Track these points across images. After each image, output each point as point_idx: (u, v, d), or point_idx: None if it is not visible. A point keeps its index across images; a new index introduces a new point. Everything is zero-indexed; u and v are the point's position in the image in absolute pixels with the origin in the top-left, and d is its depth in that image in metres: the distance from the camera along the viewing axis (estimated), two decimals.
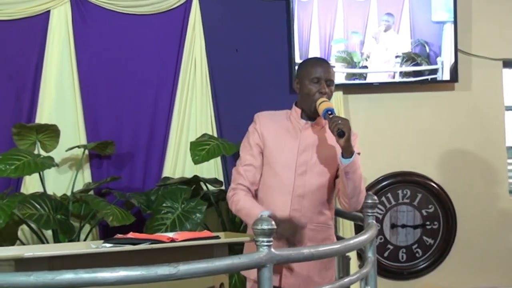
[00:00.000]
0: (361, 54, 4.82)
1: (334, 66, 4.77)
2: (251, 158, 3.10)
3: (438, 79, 4.86)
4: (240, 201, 3.01)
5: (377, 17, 4.82)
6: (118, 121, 4.54)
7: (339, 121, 2.88)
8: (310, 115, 3.13)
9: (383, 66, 4.84)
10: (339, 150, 2.99)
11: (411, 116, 4.98)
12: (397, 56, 4.84)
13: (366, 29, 4.82)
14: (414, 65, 4.84)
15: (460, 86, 4.94)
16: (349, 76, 4.82)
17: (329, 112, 2.96)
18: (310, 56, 4.69)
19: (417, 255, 4.95)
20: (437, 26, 4.84)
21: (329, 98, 3.07)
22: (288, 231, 2.99)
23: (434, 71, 4.85)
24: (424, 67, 4.85)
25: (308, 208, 3.08)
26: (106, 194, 4.39)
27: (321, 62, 3.15)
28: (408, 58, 4.83)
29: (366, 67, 4.83)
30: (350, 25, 4.81)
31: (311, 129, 3.14)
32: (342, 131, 2.87)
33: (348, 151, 2.93)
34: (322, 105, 3.00)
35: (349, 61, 4.81)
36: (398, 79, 4.85)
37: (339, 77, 4.78)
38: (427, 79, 4.86)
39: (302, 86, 3.13)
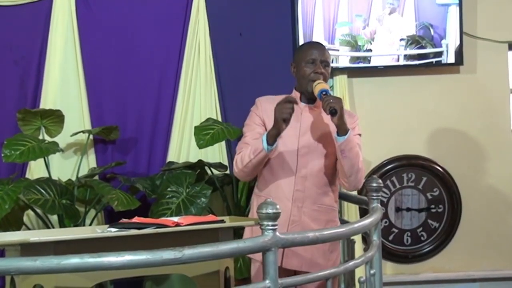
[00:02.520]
0: (365, 37, 4.80)
1: (338, 50, 4.77)
2: (257, 132, 3.14)
3: (443, 62, 4.84)
4: (243, 151, 3.09)
5: (382, 0, 4.79)
6: (122, 106, 4.54)
7: (331, 100, 2.94)
8: (309, 97, 3.18)
9: (387, 49, 4.82)
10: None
11: (416, 99, 4.97)
12: (401, 39, 4.82)
13: (370, 12, 4.79)
14: (419, 48, 4.82)
15: (465, 69, 4.92)
16: (354, 59, 4.81)
17: (324, 93, 3.01)
18: (314, 39, 4.67)
19: (422, 238, 4.95)
20: (442, 8, 4.81)
21: (326, 79, 3.14)
22: None
23: (439, 54, 4.83)
24: (428, 50, 4.82)
25: (311, 188, 3.12)
26: (111, 179, 4.40)
27: (316, 45, 3.24)
28: (413, 41, 4.81)
29: (370, 50, 4.80)
30: (354, 8, 4.78)
31: (310, 111, 3.18)
32: (334, 109, 2.92)
33: (342, 129, 2.99)
34: (317, 87, 3.06)
35: (354, 45, 4.80)
36: (402, 62, 4.83)
37: (343, 61, 4.77)
38: (432, 62, 4.84)
39: (298, 69, 3.19)
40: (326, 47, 3.28)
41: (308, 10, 4.74)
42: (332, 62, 4.63)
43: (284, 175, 3.10)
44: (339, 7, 4.77)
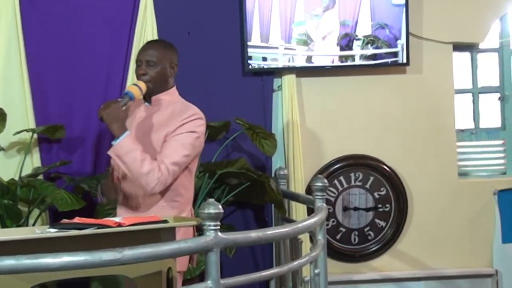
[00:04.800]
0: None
1: (295, 49, 4.77)
2: None
3: (399, 62, 4.87)
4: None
5: None
6: (68, 105, 4.47)
7: (101, 107, 3.03)
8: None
9: (332, 49, 4.83)
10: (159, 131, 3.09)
11: (364, 99, 5.00)
12: (357, 39, 4.83)
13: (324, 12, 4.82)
14: (375, 48, 4.85)
15: (411, 69, 4.97)
16: (309, 59, 4.81)
17: (123, 96, 3.11)
18: (270, 38, 4.72)
19: (369, 237, 4.99)
20: (397, 9, 4.85)
21: (152, 78, 3.15)
22: None
23: (395, 54, 4.86)
24: (384, 50, 4.85)
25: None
26: (56, 179, 4.33)
27: (144, 45, 3.32)
28: (368, 41, 4.84)
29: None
30: (310, 8, 4.78)
31: (145, 111, 3.24)
32: (101, 116, 3.02)
33: (114, 134, 3.02)
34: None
35: (308, 44, 4.81)
36: (358, 62, 4.84)
37: (300, 60, 4.76)
38: (388, 62, 4.86)
39: None
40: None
41: (264, 9, 4.73)
42: (289, 61, 4.69)
43: None
44: (296, 6, 4.77)
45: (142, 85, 3.13)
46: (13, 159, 4.34)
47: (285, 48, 4.78)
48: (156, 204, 3.12)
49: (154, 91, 3.19)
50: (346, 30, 4.84)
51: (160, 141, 3.10)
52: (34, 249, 2.31)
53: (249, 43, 4.73)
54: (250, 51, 4.74)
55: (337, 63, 4.85)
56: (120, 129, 3.00)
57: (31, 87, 4.37)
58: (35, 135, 4.32)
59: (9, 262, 2.12)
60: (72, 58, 4.49)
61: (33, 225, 4.09)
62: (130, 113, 3.21)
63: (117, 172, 3.22)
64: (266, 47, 4.77)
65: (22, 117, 4.35)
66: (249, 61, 4.73)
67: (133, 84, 3.14)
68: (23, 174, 4.19)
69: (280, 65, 4.79)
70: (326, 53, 4.83)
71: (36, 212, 4.14)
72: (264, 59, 4.77)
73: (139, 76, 3.17)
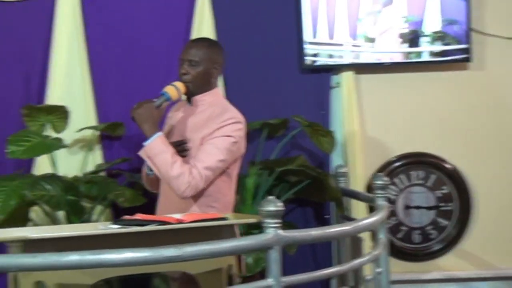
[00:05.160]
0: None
1: (359, 46, 4.72)
2: None
3: (466, 58, 4.77)
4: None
5: None
6: (128, 102, 4.45)
7: (134, 106, 3.01)
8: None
9: (394, 45, 4.76)
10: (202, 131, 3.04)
11: (425, 96, 4.92)
12: (424, 35, 4.75)
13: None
14: (444, 44, 4.76)
15: (473, 65, 4.86)
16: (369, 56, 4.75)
17: (159, 96, 3.05)
18: (335, 35, 4.67)
19: (431, 236, 4.90)
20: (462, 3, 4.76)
21: (193, 78, 3.10)
22: None
23: (464, 51, 4.75)
24: (452, 47, 4.76)
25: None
26: (117, 175, 4.39)
27: (188, 43, 3.27)
28: (437, 37, 4.76)
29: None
30: (369, 4, 4.74)
31: (184, 111, 3.21)
32: (132, 116, 3.00)
33: (145, 135, 2.98)
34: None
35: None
36: (424, 58, 4.76)
37: (364, 57, 4.71)
38: (457, 58, 4.76)
39: None
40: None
41: (330, 6, 4.68)
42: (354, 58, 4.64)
43: None
44: (360, 2, 4.71)
45: (180, 86, 3.08)
46: (76, 156, 4.41)
47: (352, 45, 4.73)
48: (189, 209, 3.05)
49: (195, 91, 3.13)
50: (412, 27, 4.76)
51: (197, 144, 3.05)
52: (97, 245, 2.34)
53: (314, 40, 4.69)
54: (316, 48, 4.70)
55: (397, 59, 4.78)
56: (151, 130, 2.96)
57: (93, 85, 4.43)
58: (97, 132, 4.38)
59: (74, 257, 2.16)
60: (132, 56, 4.53)
61: (96, 221, 4.15)
62: (173, 115, 3.22)
63: None
64: (332, 44, 4.72)
65: (85, 115, 4.41)
66: (315, 58, 4.69)
67: (171, 85, 3.09)
68: (86, 170, 4.26)
69: (346, 62, 4.73)
70: (385, 50, 4.76)
71: (99, 208, 4.20)
72: (331, 56, 4.73)
73: (180, 75, 3.13)
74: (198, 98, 3.15)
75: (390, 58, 4.78)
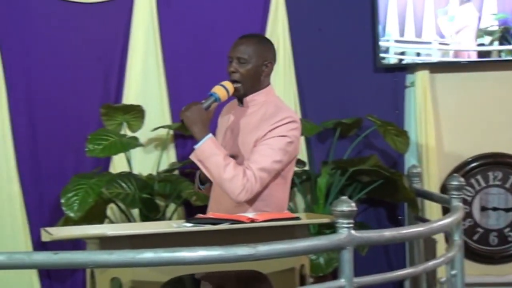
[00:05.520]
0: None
1: (449, 44, 4.62)
2: None
3: None
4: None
5: None
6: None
7: (183, 108, 2.89)
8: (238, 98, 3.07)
9: (470, 43, 4.66)
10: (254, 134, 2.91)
11: (503, 95, 4.80)
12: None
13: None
14: None
15: None
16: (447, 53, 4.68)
17: (207, 97, 2.95)
18: (423, 34, 4.61)
19: (509, 239, 4.78)
20: None
21: (243, 76, 2.96)
22: None
23: None
24: None
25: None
26: (190, 174, 4.43)
27: (236, 40, 3.07)
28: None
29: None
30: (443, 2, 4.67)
31: (235, 113, 3.07)
32: (182, 119, 2.89)
33: (195, 137, 2.88)
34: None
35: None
36: (495, 57, 4.66)
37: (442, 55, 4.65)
38: None
39: None
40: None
41: (418, 4, 4.62)
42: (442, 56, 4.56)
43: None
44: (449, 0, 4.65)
45: (229, 86, 2.96)
46: (151, 155, 4.48)
47: (439, 43, 4.66)
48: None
49: (246, 91, 2.99)
50: (501, 24, 4.65)
51: (250, 146, 2.91)
52: (171, 243, 2.38)
53: (401, 38, 4.64)
54: (404, 47, 4.65)
55: (474, 58, 4.68)
56: (202, 132, 2.86)
57: (167, 85, 4.50)
58: (171, 132, 4.45)
59: (149, 255, 2.19)
60: (205, 56, 4.58)
61: (170, 219, 4.21)
62: (224, 117, 3.11)
63: None
64: (419, 42, 4.66)
65: (159, 114, 4.48)
66: (402, 56, 4.65)
67: (219, 85, 2.97)
68: (160, 169, 4.33)
69: (435, 60, 4.66)
70: (465, 48, 4.67)
71: (172, 206, 4.26)
72: (418, 54, 4.67)
73: (229, 74, 3.00)
74: (250, 98, 3.00)
75: (468, 56, 4.68)
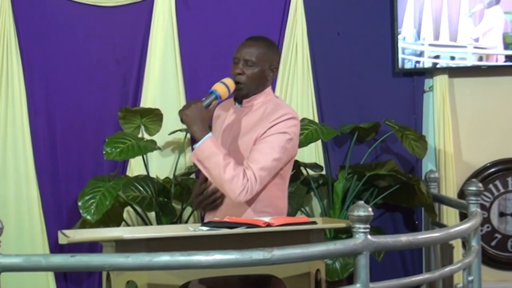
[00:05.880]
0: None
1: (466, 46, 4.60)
2: None
3: None
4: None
5: None
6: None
7: (182, 107, 2.85)
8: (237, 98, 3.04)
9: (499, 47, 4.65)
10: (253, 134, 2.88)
11: None
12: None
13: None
14: None
15: None
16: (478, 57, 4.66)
17: (208, 95, 2.89)
18: (440, 36, 4.59)
19: None
20: None
21: (248, 79, 2.92)
22: None
23: None
24: None
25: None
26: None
27: (244, 42, 3.02)
28: None
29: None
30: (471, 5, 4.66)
31: (234, 113, 3.03)
32: (181, 117, 2.84)
33: (195, 137, 2.82)
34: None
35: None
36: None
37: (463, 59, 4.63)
38: None
39: None
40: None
41: (453, 7, 4.62)
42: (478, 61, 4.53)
43: None
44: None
45: (230, 84, 2.90)
46: (168, 158, 4.50)
47: (474, 47, 4.65)
48: (243, 215, 2.87)
49: (249, 93, 2.95)
50: None
51: (249, 145, 2.87)
52: (187, 247, 2.38)
53: (436, 42, 4.63)
54: (438, 50, 4.63)
55: (498, 62, 4.65)
56: (201, 131, 2.80)
57: (185, 89, 4.51)
58: (188, 135, 4.46)
59: (165, 258, 2.20)
60: (223, 60, 4.56)
61: (186, 222, 4.22)
62: (220, 116, 3.06)
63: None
64: (454, 46, 4.64)
65: (177, 118, 4.42)
66: (436, 60, 4.64)
67: (220, 82, 2.90)
68: (177, 173, 4.34)
69: (469, 64, 4.64)
70: (487, 52, 4.65)
71: (188, 209, 4.27)
72: (452, 58, 4.65)
73: (235, 75, 2.93)
74: (250, 99, 2.98)
75: (496, 60, 4.64)
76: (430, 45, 4.64)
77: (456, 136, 4.72)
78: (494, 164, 4.75)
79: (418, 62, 4.65)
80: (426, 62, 4.64)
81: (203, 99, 2.87)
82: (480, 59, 4.65)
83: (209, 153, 2.78)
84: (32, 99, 4.40)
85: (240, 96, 2.98)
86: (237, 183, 2.76)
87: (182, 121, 2.86)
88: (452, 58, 4.65)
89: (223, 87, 2.88)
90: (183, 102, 4.48)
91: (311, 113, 4.55)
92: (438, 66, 4.65)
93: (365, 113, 4.62)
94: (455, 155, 4.65)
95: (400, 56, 4.61)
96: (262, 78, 2.95)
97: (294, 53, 4.58)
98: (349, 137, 4.55)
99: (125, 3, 4.51)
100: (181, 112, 2.86)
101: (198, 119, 2.80)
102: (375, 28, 4.68)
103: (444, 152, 4.62)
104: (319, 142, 4.49)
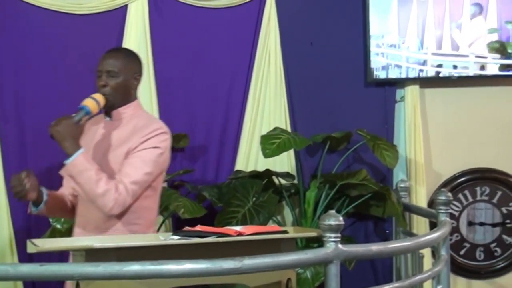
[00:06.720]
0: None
1: (468, 56, 4.65)
2: None
3: None
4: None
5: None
6: (192, 114, 4.57)
7: (52, 123, 2.83)
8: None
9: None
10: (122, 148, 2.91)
11: (491, 110, 4.84)
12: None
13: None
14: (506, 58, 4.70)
15: None
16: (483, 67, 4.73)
17: (78, 110, 2.87)
18: (461, 47, 4.66)
19: (495, 254, 4.81)
20: None
21: (113, 89, 2.96)
22: None
23: None
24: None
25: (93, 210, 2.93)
26: (179, 187, 4.44)
27: (104, 54, 3.06)
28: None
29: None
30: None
31: (104, 127, 3.05)
32: (51, 134, 2.82)
33: (66, 152, 2.82)
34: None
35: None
36: (492, 72, 4.72)
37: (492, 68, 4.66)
38: None
39: None
40: None
41: (456, 16, 4.68)
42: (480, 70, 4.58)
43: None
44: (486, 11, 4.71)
45: (100, 98, 2.92)
46: None
47: (476, 56, 4.70)
48: (113, 227, 2.93)
49: (115, 104, 2.99)
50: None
51: (121, 158, 2.91)
52: (158, 256, 2.37)
53: (438, 52, 4.68)
54: (440, 59, 4.69)
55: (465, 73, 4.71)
56: (73, 147, 2.81)
57: (158, 97, 4.49)
58: None
59: (135, 267, 2.18)
60: (197, 69, 4.59)
61: (158, 231, 4.20)
62: (89, 130, 3.03)
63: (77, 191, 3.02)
64: (456, 55, 4.70)
65: None
66: (439, 69, 4.69)
67: (90, 98, 2.91)
68: None
69: (471, 74, 4.71)
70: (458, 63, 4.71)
71: (160, 218, 4.25)
72: (455, 67, 4.70)
73: (100, 88, 2.97)
74: (119, 111, 3.02)
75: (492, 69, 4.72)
76: (433, 54, 4.69)
77: (427, 146, 4.77)
78: (463, 173, 4.81)
79: (421, 70, 4.69)
80: (429, 71, 4.69)
81: (74, 115, 2.87)
82: (482, 68, 4.70)
83: (81, 169, 2.81)
84: (2, 107, 4.36)
85: (108, 107, 3.00)
86: (110, 197, 2.81)
87: (52, 137, 2.85)
88: (455, 67, 4.71)
89: (93, 102, 2.90)
90: (155, 111, 4.47)
91: (284, 122, 4.57)
92: (411, 76, 4.69)
93: (337, 123, 4.65)
94: (426, 165, 4.69)
95: (373, 65, 4.64)
96: (127, 87, 3.01)
97: (267, 63, 4.60)
98: (321, 147, 4.57)
99: (98, 11, 4.49)
100: (51, 129, 2.85)
101: (68, 135, 2.82)
102: (348, 38, 4.72)
103: (415, 161, 4.66)
104: (291, 151, 4.50)
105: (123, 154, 2.91)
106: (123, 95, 3.00)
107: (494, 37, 4.70)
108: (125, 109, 3.02)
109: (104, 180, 2.82)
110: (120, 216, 2.91)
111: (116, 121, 3.02)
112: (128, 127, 2.98)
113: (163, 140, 2.96)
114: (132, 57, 3.09)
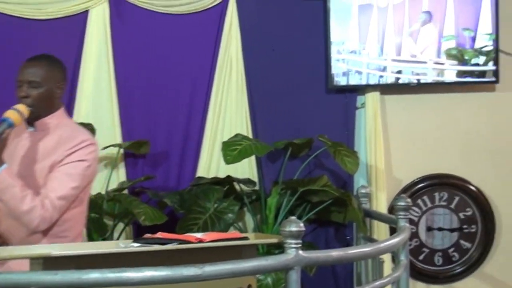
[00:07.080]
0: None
1: (425, 62, 4.71)
2: None
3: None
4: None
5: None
6: (153, 121, 4.55)
7: None
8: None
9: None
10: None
11: (450, 117, 4.90)
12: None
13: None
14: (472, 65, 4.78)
15: (501, 87, 4.84)
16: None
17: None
18: (419, 54, 4.70)
19: (453, 259, 4.87)
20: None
21: (36, 100, 2.83)
22: None
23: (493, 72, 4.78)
24: (479, 68, 4.76)
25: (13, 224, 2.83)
26: (140, 193, 4.41)
27: (25, 63, 2.91)
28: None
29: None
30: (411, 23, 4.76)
31: (29, 138, 2.92)
32: None
33: None
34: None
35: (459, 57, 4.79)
36: (451, 79, 4.79)
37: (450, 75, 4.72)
38: (484, 80, 4.79)
39: None
40: None
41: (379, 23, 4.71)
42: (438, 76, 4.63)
43: None
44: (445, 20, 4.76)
45: (23, 109, 2.78)
46: (101, 174, 4.42)
47: (435, 63, 4.75)
48: (39, 242, 2.83)
49: (39, 115, 2.87)
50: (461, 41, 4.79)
51: (45, 172, 2.81)
52: (118, 263, 2.35)
53: (398, 58, 4.72)
54: (400, 66, 4.73)
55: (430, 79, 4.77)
56: None
57: (119, 103, 4.47)
58: (122, 150, 4.42)
59: (94, 275, 2.17)
60: (158, 75, 4.57)
61: (118, 238, 4.18)
62: (12, 142, 2.85)
63: None
64: (415, 61, 4.75)
65: (110, 133, 4.45)
66: (399, 75, 4.74)
67: (12, 109, 2.77)
68: (109, 188, 4.29)
69: (429, 80, 4.76)
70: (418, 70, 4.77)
71: (120, 225, 4.22)
72: (414, 73, 4.75)
73: (20, 99, 2.82)
74: (43, 121, 2.90)
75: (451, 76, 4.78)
76: (393, 60, 4.73)
77: (387, 152, 4.81)
78: (422, 179, 4.86)
79: (381, 76, 4.73)
80: (389, 77, 4.73)
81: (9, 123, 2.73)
82: (440, 74, 4.76)
83: (5, 185, 2.70)
84: None
85: (31, 119, 2.87)
86: (35, 214, 2.73)
87: None
88: (414, 73, 4.76)
89: (16, 114, 2.77)
90: (116, 117, 4.45)
91: (245, 129, 4.57)
92: (428, 81, 4.77)
93: (298, 129, 4.67)
94: (386, 171, 4.74)
95: (333, 71, 4.68)
96: (50, 97, 2.89)
97: (229, 69, 4.60)
98: (282, 153, 4.58)
99: (58, 16, 4.45)
100: None
101: None
102: (309, 44, 4.74)
103: (376, 167, 4.70)
104: (252, 158, 4.51)
105: (48, 167, 2.81)
106: (47, 105, 2.88)
107: (452, 44, 4.77)
108: (49, 119, 2.91)
109: (29, 197, 2.72)
110: (45, 230, 2.82)
111: (40, 131, 2.90)
112: (53, 137, 2.87)
113: (90, 152, 2.87)
114: (55, 65, 2.96)
